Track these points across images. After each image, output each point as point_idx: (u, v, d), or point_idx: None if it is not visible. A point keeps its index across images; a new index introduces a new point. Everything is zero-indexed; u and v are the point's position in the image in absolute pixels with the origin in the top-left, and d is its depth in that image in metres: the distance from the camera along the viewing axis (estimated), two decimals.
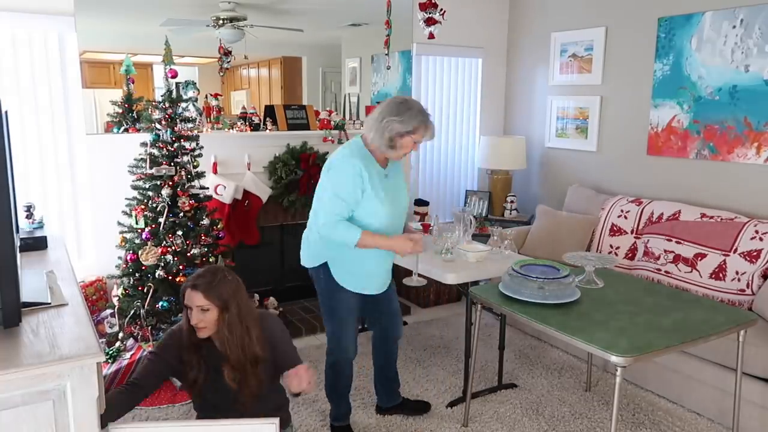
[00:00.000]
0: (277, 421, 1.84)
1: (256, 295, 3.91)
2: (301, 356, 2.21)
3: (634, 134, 4.16)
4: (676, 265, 3.42)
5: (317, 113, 4.23)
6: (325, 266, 2.60)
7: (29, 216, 2.50)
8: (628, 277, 3.01)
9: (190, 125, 3.28)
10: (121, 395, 2.02)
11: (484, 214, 4.88)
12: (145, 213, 3.16)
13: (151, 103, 3.38)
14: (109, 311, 3.34)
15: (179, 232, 3.17)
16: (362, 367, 3.49)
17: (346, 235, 2.43)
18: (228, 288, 2.04)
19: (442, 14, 3.83)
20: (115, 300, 3.24)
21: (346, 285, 2.60)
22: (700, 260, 3.32)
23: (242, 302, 2.07)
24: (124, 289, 3.18)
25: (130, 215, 3.22)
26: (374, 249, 2.51)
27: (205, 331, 2.04)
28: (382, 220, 2.53)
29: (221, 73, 3.99)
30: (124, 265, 3.20)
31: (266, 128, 3.98)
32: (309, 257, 2.67)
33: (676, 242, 3.47)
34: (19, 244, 1.96)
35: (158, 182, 3.17)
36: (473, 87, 5.01)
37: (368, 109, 4.51)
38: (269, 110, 4.05)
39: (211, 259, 3.31)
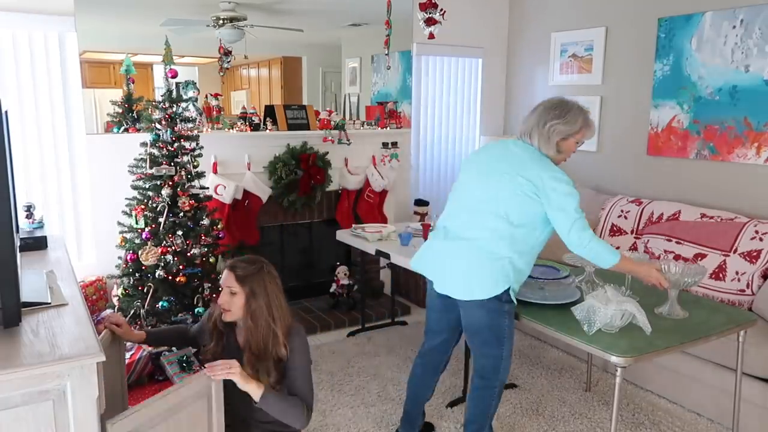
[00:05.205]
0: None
1: None
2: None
3: (634, 134, 4.16)
4: None
5: (317, 113, 4.23)
6: (507, 291, 2.29)
7: (29, 216, 2.50)
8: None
9: (190, 125, 3.28)
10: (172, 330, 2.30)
11: None
12: (145, 213, 3.16)
13: (151, 103, 3.38)
14: (109, 311, 3.34)
15: (179, 232, 3.17)
16: (363, 366, 3.50)
17: (606, 251, 2.22)
18: (262, 280, 2.07)
19: (442, 14, 3.82)
20: (115, 300, 3.24)
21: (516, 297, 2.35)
22: (700, 260, 3.32)
23: (273, 300, 2.08)
24: (124, 289, 3.18)
25: (130, 215, 3.22)
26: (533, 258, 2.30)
27: (229, 314, 2.08)
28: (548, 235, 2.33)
29: (221, 73, 3.98)
30: (124, 265, 3.20)
31: (266, 128, 3.98)
32: (493, 284, 2.26)
33: (676, 242, 3.47)
34: (19, 244, 1.96)
35: (158, 182, 3.17)
36: (473, 87, 5.01)
37: (368, 109, 4.51)
38: (269, 110, 4.04)
39: (211, 259, 3.31)
